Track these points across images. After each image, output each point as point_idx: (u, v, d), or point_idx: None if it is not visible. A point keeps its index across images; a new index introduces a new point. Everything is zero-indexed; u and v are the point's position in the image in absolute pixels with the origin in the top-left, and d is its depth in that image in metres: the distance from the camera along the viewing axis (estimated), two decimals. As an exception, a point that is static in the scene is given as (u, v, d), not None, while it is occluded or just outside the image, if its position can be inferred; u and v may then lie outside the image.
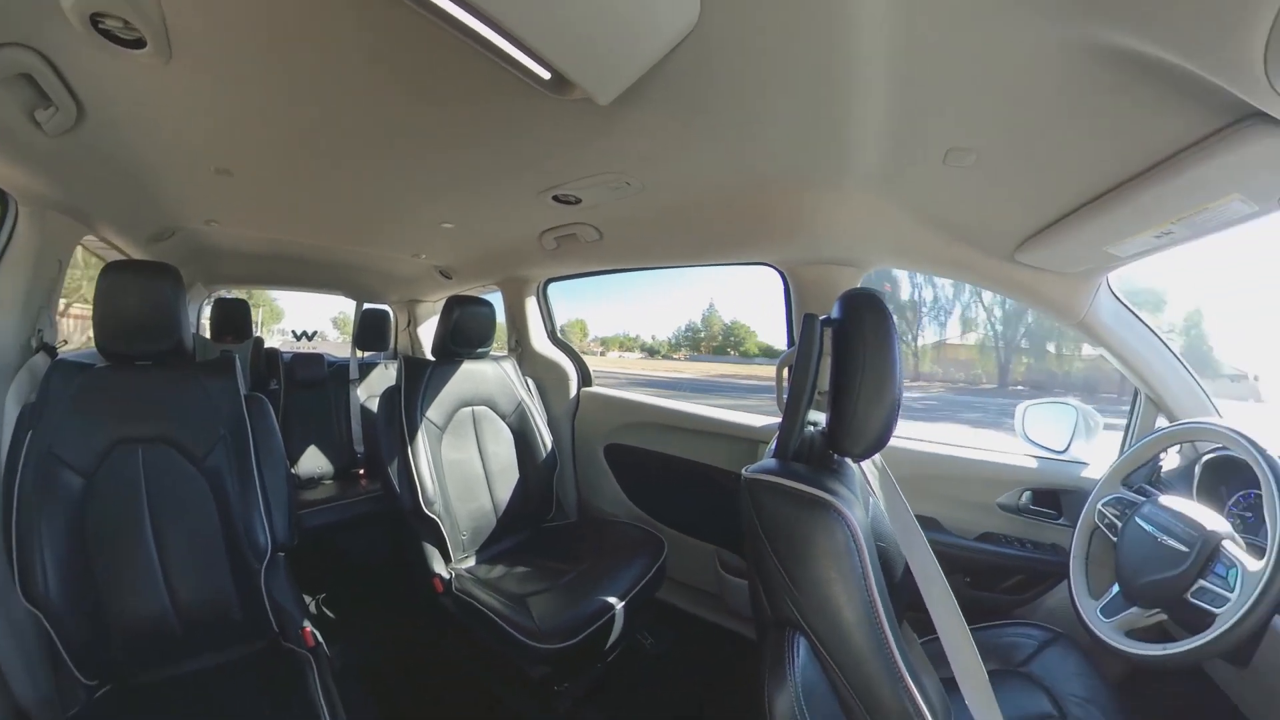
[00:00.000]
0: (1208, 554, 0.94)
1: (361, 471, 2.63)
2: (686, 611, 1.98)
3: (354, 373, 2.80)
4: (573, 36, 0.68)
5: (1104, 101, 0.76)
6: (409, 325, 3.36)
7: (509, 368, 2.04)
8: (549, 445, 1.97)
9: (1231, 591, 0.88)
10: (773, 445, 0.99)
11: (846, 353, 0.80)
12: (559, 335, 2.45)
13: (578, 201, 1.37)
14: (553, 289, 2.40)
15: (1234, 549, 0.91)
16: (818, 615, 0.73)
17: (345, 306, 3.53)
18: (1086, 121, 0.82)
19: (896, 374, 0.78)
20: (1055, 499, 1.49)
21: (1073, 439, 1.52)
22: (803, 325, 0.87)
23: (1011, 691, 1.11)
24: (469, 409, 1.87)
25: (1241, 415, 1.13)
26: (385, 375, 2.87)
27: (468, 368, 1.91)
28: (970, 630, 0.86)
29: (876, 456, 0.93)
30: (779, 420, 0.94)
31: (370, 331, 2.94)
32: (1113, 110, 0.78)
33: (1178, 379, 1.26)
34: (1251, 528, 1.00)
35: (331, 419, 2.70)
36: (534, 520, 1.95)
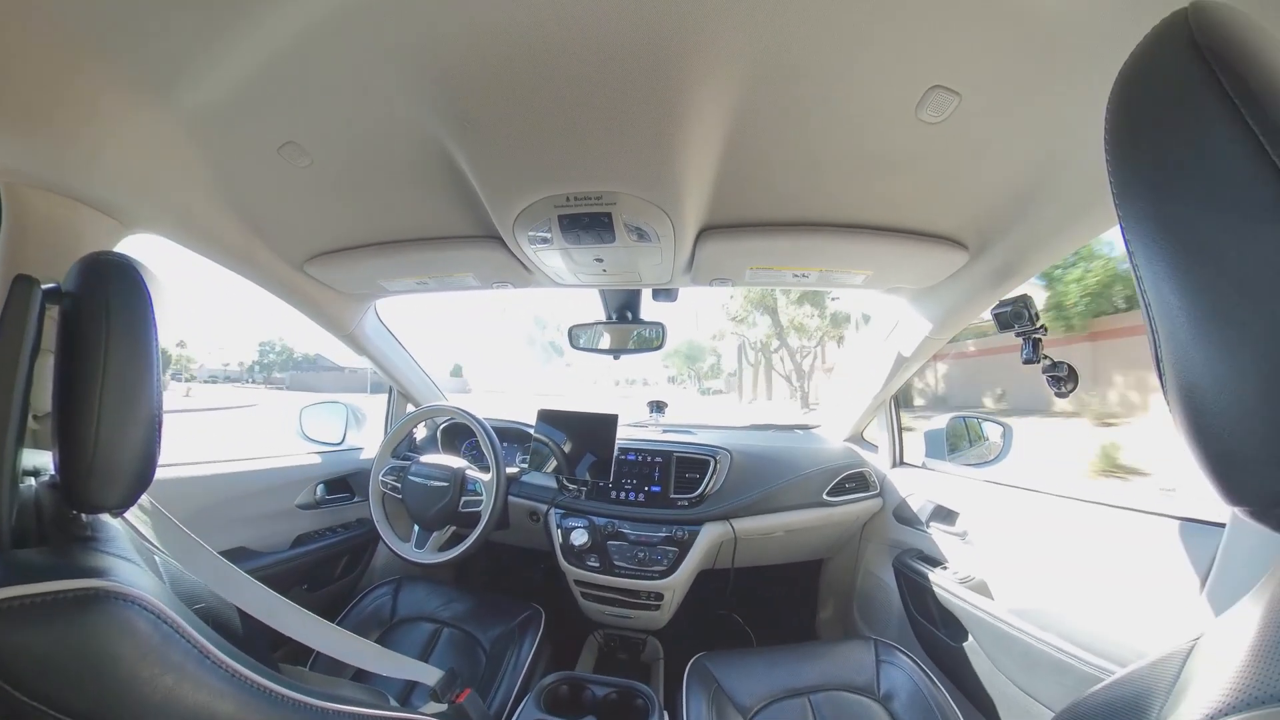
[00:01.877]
0: (460, 481, 1.58)
1: None
2: None
3: None
4: None
5: (431, 181, 1.03)
6: None
7: None
8: None
9: (482, 495, 1.57)
10: None
11: (82, 348, 0.56)
12: None
13: None
14: None
15: (473, 473, 1.60)
16: None
17: None
18: (411, 186, 1.07)
19: (154, 378, 0.59)
20: (346, 483, 1.84)
21: (346, 431, 1.92)
22: (11, 292, 0.57)
23: (403, 636, 1.44)
24: None
25: (460, 399, 1.89)
26: None
27: None
28: (332, 622, 0.97)
29: (144, 499, 0.76)
30: None
31: None
32: (435, 190, 1.06)
33: (419, 378, 1.90)
34: (478, 459, 1.75)
35: None
36: None
